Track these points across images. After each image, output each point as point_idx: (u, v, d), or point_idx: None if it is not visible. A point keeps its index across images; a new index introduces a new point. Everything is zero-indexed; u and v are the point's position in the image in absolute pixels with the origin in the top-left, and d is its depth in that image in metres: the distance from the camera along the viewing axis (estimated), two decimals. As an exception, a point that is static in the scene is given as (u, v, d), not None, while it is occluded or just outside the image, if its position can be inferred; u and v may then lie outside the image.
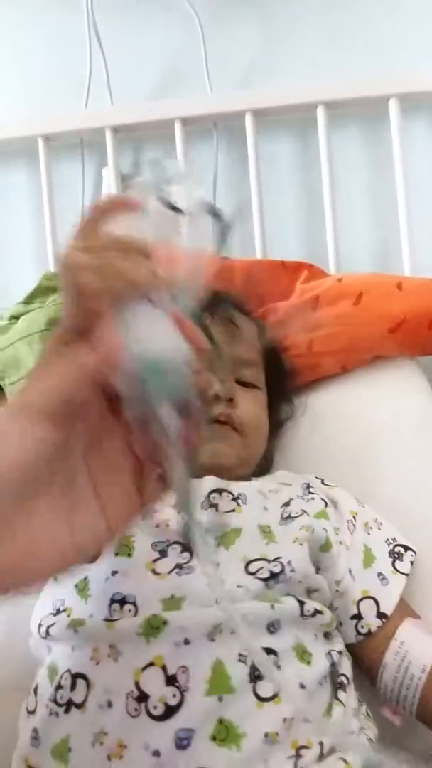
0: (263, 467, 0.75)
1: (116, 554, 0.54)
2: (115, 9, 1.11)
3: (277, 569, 0.54)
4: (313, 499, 0.64)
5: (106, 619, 0.50)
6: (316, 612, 0.54)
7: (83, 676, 0.49)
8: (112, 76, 1.09)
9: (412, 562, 0.64)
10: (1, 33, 1.16)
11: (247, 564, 0.54)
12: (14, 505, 0.33)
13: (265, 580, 0.53)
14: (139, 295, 0.34)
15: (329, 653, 0.54)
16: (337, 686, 0.53)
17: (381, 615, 0.59)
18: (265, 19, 1.11)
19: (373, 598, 0.60)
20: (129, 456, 0.37)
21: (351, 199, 1.09)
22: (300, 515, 0.60)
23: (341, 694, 0.53)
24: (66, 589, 0.55)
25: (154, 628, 0.48)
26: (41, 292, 0.96)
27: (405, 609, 0.61)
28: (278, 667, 0.49)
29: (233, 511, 0.59)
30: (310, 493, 0.65)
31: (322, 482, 0.70)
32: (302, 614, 0.53)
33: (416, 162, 1.05)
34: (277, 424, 0.79)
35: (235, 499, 0.61)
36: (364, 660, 0.60)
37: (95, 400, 0.35)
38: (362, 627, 0.59)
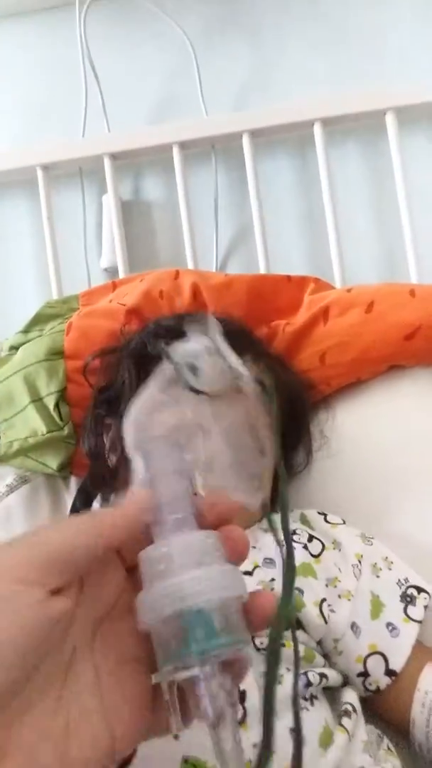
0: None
1: None
2: (108, 37, 1.12)
3: None
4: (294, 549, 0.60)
5: None
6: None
7: None
8: (107, 104, 1.09)
9: (426, 606, 0.58)
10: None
11: None
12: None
13: None
14: None
15: (305, 673, 0.49)
16: (341, 714, 0.49)
17: (390, 672, 0.54)
18: (257, 39, 1.12)
19: (381, 653, 0.55)
20: (145, 648, 0.31)
21: (353, 213, 1.08)
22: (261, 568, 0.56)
23: (345, 721, 0.49)
24: None
25: None
26: (41, 319, 0.94)
27: (423, 655, 0.56)
28: (242, 694, 0.45)
29: None
30: (293, 541, 0.61)
31: (325, 518, 0.65)
32: (256, 648, 0.48)
33: (416, 173, 1.04)
34: (288, 474, 0.74)
35: None
36: (391, 716, 0.56)
37: (112, 566, 0.32)
38: (370, 684, 0.55)
